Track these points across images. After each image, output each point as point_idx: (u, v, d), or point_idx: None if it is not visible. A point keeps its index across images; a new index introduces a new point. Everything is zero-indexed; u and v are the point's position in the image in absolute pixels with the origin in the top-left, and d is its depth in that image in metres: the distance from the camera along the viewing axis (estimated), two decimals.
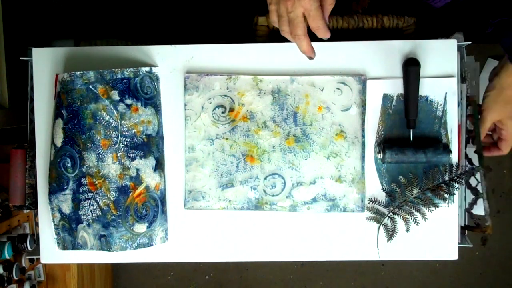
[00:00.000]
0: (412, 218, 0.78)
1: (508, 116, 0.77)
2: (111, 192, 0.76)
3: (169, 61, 0.81)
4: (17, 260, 1.12)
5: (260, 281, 1.74)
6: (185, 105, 0.81)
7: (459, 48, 0.82)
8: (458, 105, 0.80)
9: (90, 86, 0.76)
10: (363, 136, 0.80)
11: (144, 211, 0.77)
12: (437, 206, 0.78)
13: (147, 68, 0.79)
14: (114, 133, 0.76)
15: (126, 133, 0.77)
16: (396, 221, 0.79)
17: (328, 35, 0.64)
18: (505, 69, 0.76)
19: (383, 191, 0.80)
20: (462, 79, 0.82)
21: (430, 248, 0.81)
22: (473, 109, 0.80)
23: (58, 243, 0.81)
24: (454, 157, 0.80)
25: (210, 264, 1.73)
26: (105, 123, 0.76)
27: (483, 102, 0.79)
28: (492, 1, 0.75)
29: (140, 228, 0.77)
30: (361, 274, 1.74)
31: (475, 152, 0.80)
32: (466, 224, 0.85)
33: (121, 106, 0.76)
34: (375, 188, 0.81)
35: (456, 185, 0.78)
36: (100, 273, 1.55)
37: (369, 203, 0.80)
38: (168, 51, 0.81)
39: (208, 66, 0.80)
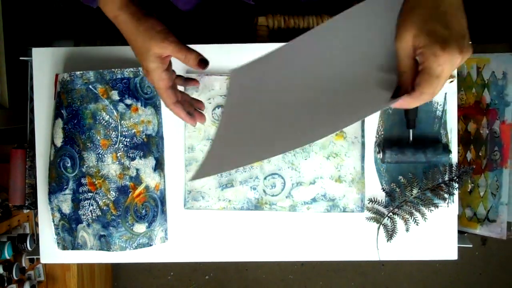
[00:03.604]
0: (412, 218, 0.78)
1: (417, 29, 0.48)
2: (111, 192, 0.76)
3: None
4: (17, 260, 1.12)
5: (260, 281, 1.74)
6: None
7: None
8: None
9: (90, 86, 0.76)
10: (363, 136, 0.80)
11: (143, 211, 0.77)
12: (437, 206, 0.78)
13: None
14: (114, 133, 0.76)
15: (126, 133, 0.77)
16: (396, 221, 0.79)
17: (185, 119, 0.65)
18: None
19: (383, 191, 0.80)
20: None
21: (430, 248, 0.81)
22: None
23: (58, 243, 0.81)
24: (454, 157, 0.80)
25: (210, 264, 1.73)
26: (105, 123, 0.76)
27: (399, 16, 0.53)
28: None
29: (140, 228, 0.77)
30: (361, 274, 1.74)
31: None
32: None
33: (121, 106, 0.76)
34: (375, 188, 0.81)
35: (456, 185, 0.78)
36: (100, 273, 1.55)
37: (369, 203, 0.80)
38: None
39: (208, 66, 0.80)
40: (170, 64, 0.63)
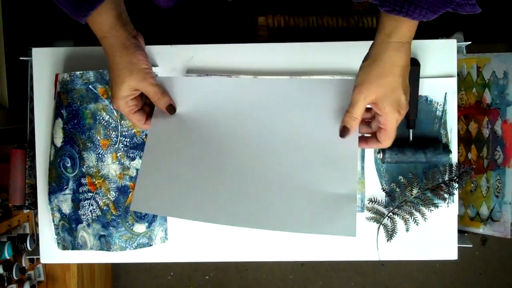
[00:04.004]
0: (412, 218, 0.78)
1: (384, 95, 0.57)
2: (111, 192, 0.76)
3: (169, 61, 0.81)
4: (17, 260, 1.12)
5: (260, 281, 1.74)
6: None
7: (459, 48, 0.82)
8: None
9: (90, 86, 0.76)
10: None
11: None
12: (437, 206, 0.78)
13: None
14: (113, 133, 0.76)
15: (126, 133, 0.76)
16: (396, 221, 0.79)
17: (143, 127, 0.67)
18: (379, 27, 0.59)
19: (383, 191, 0.80)
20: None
21: (430, 248, 0.81)
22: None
23: (58, 243, 0.81)
24: (454, 157, 0.80)
25: (210, 264, 1.73)
26: (105, 123, 0.76)
27: (356, 78, 0.60)
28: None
29: (140, 228, 0.77)
30: (361, 274, 1.74)
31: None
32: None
33: None
34: (375, 188, 0.81)
35: (456, 185, 0.78)
36: (100, 273, 1.55)
37: (369, 203, 0.80)
38: (168, 51, 0.81)
39: (208, 66, 0.80)
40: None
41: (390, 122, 0.59)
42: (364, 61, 0.60)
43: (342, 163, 0.63)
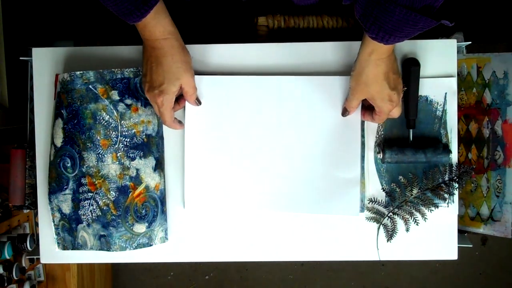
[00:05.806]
0: (412, 218, 0.78)
1: (373, 96, 0.69)
2: (111, 192, 0.76)
3: None
4: (17, 260, 1.12)
5: (260, 281, 1.75)
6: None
7: (459, 48, 0.82)
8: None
9: (90, 86, 0.76)
10: (363, 136, 0.80)
11: (143, 211, 0.77)
12: (437, 206, 0.78)
13: None
14: (114, 133, 0.76)
15: (126, 133, 0.76)
16: (396, 221, 0.79)
17: (174, 127, 0.76)
18: (362, 45, 0.67)
19: (383, 191, 0.80)
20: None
21: (430, 248, 0.81)
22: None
23: (58, 243, 0.81)
24: (454, 157, 0.80)
25: (210, 264, 1.73)
26: (105, 123, 0.76)
27: (349, 81, 0.72)
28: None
29: (140, 228, 0.77)
30: (361, 274, 1.74)
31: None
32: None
33: (121, 106, 0.76)
34: (375, 188, 0.81)
35: (456, 185, 0.78)
36: (100, 273, 1.55)
37: (369, 203, 0.80)
38: None
39: (208, 66, 0.80)
40: None
41: (383, 111, 0.71)
42: (352, 70, 0.70)
43: (348, 150, 0.77)
